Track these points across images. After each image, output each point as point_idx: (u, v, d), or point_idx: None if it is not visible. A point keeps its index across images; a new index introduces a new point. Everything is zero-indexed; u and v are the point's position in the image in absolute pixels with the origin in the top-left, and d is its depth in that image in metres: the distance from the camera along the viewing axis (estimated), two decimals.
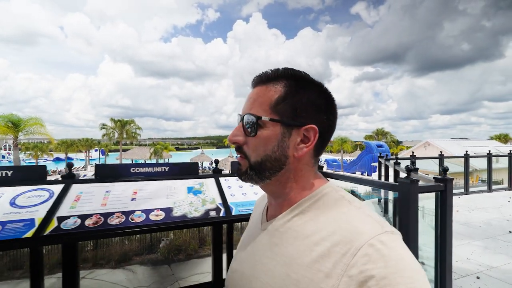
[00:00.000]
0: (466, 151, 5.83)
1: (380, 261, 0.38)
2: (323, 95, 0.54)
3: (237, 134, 0.55)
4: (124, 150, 39.66)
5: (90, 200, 1.50)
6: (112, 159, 42.63)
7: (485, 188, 6.35)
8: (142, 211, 1.48)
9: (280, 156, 0.51)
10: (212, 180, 1.91)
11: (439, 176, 1.70)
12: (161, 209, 1.52)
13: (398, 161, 3.61)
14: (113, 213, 1.43)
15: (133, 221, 1.41)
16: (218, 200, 1.70)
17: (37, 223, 1.27)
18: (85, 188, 1.60)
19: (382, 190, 4.71)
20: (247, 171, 0.54)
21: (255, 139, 0.52)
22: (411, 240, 1.50)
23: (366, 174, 24.00)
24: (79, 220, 1.34)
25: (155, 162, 33.37)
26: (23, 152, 27.32)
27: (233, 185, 1.88)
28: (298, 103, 0.51)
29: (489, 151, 6.15)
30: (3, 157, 53.55)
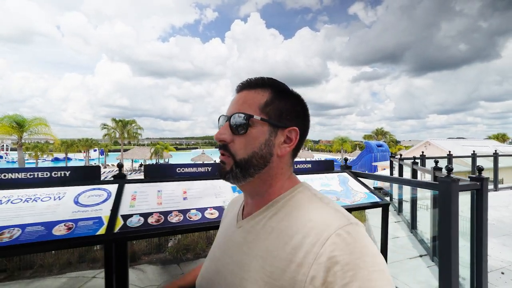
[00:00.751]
0: (474, 151, 5.94)
1: (346, 248, 0.42)
2: (301, 103, 0.60)
3: (224, 133, 0.57)
4: (124, 150, 39.44)
5: (146, 199, 1.56)
6: (112, 159, 42.52)
7: (491, 187, 6.46)
8: (197, 209, 1.54)
9: (266, 154, 0.56)
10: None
11: (475, 175, 1.77)
12: (214, 208, 1.58)
13: (416, 160, 3.69)
14: (171, 212, 1.49)
15: (190, 219, 1.46)
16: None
17: (105, 221, 1.33)
18: (138, 187, 1.65)
19: (395, 189, 4.79)
20: (232, 169, 0.56)
21: (244, 137, 0.55)
22: (453, 237, 1.56)
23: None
24: (142, 219, 1.40)
25: (155, 162, 33.31)
26: (24, 152, 27.17)
27: None
28: (283, 108, 0.57)
29: (496, 150, 6.25)
30: (1, 157, 53.17)
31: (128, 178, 1.73)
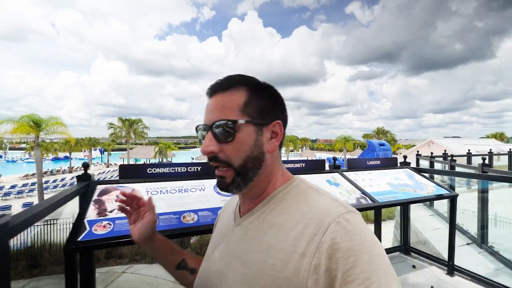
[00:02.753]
0: (490, 149, 6.23)
1: (346, 235, 0.43)
2: (276, 95, 0.59)
3: (210, 144, 0.54)
4: (125, 150, 39.33)
5: None
6: (115, 158, 42.52)
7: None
8: None
9: (258, 154, 0.54)
10: (337, 174, 2.22)
11: None
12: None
13: (454, 158, 3.95)
14: None
15: None
16: (357, 190, 2.01)
17: None
18: None
19: None
20: (234, 179, 0.54)
21: (233, 144, 0.53)
22: None
23: None
24: None
25: (158, 161, 33.38)
26: (28, 151, 27.18)
27: (356, 179, 2.20)
28: (262, 103, 0.55)
29: (510, 149, 6.56)
30: (0, 157, 52.87)
31: None
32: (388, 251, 2.78)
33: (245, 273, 0.51)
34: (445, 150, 5.20)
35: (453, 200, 2.33)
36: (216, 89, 0.56)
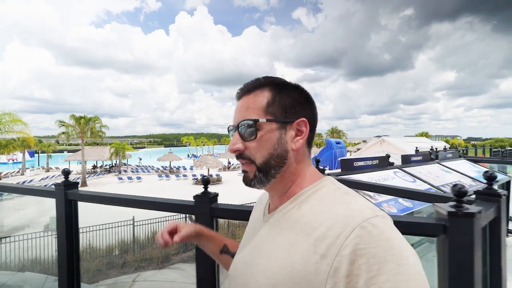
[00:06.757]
0: (461, 146, 7.71)
1: (371, 241, 0.42)
2: (302, 93, 0.61)
3: (236, 142, 0.59)
4: (71, 151, 34.56)
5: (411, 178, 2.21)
6: (56, 161, 36.83)
7: None
8: (443, 185, 2.26)
9: (282, 152, 0.57)
10: (437, 164, 2.76)
11: None
12: (452, 184, 2.32)
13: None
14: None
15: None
16: (465, 177, 2.57)
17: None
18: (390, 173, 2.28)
19: None
20: (256, 174, 0.58)
21: (256, 142, 0.57)
22: None
23: (328, 168, 26.50)
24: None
25: (116, 162, 30.26)
26: None
27: (455, 167, 2.77)
28: (286, 103, 0.58)
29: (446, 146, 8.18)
30: None
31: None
32: None
33: (267, 268, 0.53)
34: (431, 146, 6.32)
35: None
36: (243, 92, 0.61)
